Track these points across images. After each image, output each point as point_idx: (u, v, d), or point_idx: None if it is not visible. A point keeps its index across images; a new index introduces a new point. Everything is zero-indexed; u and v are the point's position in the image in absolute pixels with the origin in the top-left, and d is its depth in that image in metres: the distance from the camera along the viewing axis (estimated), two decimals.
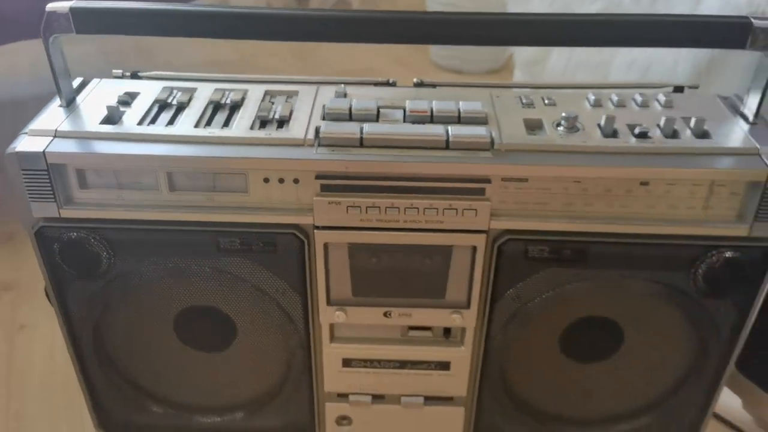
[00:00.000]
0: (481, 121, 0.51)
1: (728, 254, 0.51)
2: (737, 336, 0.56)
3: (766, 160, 0.48)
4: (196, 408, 0.64)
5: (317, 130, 0.50)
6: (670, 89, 0.57)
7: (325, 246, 0.52)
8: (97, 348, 0.59)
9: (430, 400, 0.62)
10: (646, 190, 0.49)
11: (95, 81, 0.57)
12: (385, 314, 0.56)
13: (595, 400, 0.62)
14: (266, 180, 0.50)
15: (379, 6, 2.08)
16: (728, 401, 0.70)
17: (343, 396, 0.62)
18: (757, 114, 0.52)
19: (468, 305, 0.55)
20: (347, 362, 0.60)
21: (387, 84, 0.58)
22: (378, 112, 0.52)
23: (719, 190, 0.49)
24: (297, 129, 0.51)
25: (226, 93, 0.55)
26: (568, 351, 0.60)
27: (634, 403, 0.62)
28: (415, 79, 0.58)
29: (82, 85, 0.56)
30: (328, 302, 0.55)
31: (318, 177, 0.49)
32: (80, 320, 0.57)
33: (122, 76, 0.58)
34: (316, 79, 0.58)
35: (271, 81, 0.57)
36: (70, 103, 0.53)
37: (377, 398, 0.62)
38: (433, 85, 0.58)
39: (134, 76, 0.58)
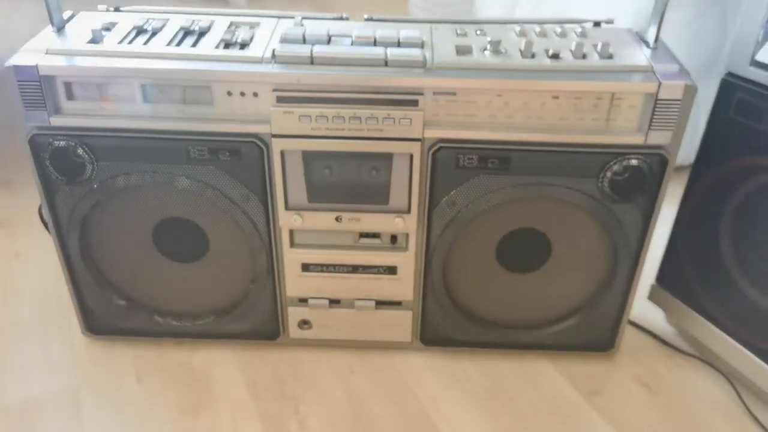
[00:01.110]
0: (417, 45, 0.59)
1: (628, 161, 0.59)
2: (643, 240, 0.64)
3: (658, 75, 0.56)
4: (172, 313, 0.71)
5: (273, 51, 0.58)
6: (590, 24, 0.65)
7: (282, 153, 0.60)
8: (84, 254, 0.67)
9: (381, 304, 0.70)
10: (557, 103, 0.57)
11: (82, 13, 0.64)
12: (336, 219, 0.64)
13: (528, 307, 0.70)
14: (229, 93, 0.57)
15: None
16: (653, 316, 0.78)
17: (303, 301, 0.70)
18: (656, 39, 0.60)
19: (409, 210, 0.63)
20: (306, 267, 0.67)
21: (340, 19, 0.65)
22: (329, 38, 0.60)
23: (619, 102, 0.57)
24: (256, 50, 0.58)
25: (195, 21, 0.62)
26: (504, 262, 0.67)
27: (561, 308, 0.70)
28: (365, 15, 0.66)
29: (71, 17, 0.63)
30: (286, 207, 0.63)
31: (274, 89, 0.57)
32: (68, 224, 0.64)
33: (106, 10, 0.65)
34: (276, 13, 0.65)
35: (237, 14, 0.65)
36: (60, 30, 0.61)
37: (334, 303, 0.70)
38: (382, 20, 0.65)
39: (116, 9, 0.65)
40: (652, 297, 0.76)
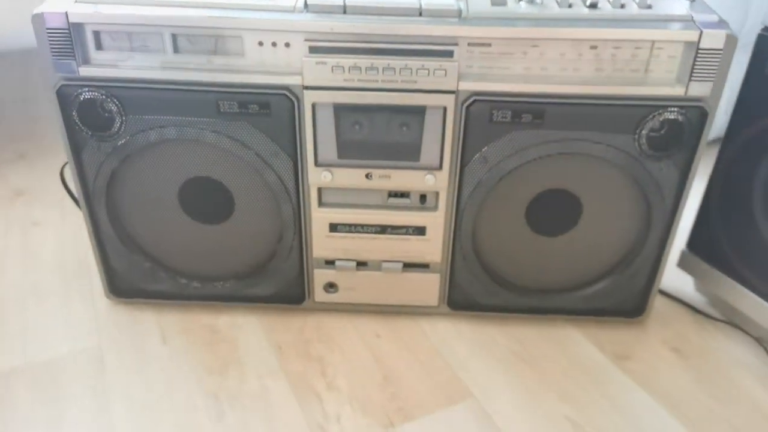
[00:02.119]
0: None
1: (668, 114, 0.58)
2: (679, 199, 0.63)
3: (698, 24, 0.55)
4: (197, 275, 0.71)
5: (305, 0, 0.57)
6: None
7: (313, 106, 0.59)
8: (109, 212, 0.66)
9: (408, 266, 0.69)
10: (595, 53, 0.56)
11: None
12: (366, 176, 0.63)
13: (557, 270, 0.69)
14: (260, 43, 0.56)
15: None
16: (682, 285, 0.77)
17: (330, 263, 0.69)
18: None
19: (440, 167, 0.62)
20: (333, 227, 0.66)
21: None
22: None
23: (658, 52, 0.56)
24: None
25: None
26: (534, 225, 0.66)
27: (591, 271, 0.69)
28: None
29: None
30: (316, 163, 0.62)
31: (307, 39, 0.56)
32: (95, 181, 0.63)
33: None
34: None
35: None
36: None
37: (361, 265, 0.69)
38: None
39: None
40: (682, 263, 0.75)
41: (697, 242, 0.73)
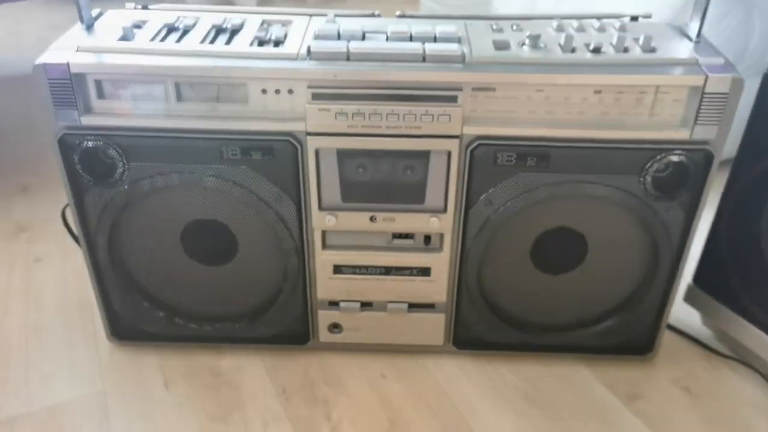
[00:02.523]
0: (455, 40, 0.58)
1: (673, 157, 0.57)
2: (686, 238, 0.62)
3: (704, 68, 0.55)
4: (200, 317, 0.70)
5: (309, 47, 0.56)
6: (627, 18, 0.64)
7: (317, 152, 0.58)
8: (111, 256, 0.65)
9: (413, 307, 0.68)
10: (599, 97, 0.56)
11: (111, 11, 0.63)
12: (371, 219, 0.62)
13: (564, 308, 0.69)
14: (264, 91, 0.56)
15: None
16: (688, 318, 0.76)
17: (334, 304, 0.68)
18: (698, 33, 0.58)
19: (445, 209, 0.61)
20: (338, 269, 0.66)
21: (372, 15, 0.64)
22: (363, 35, 0.59)
23: (663, 96, 0.56)
24: (291, 47, 0.57)
25: (227, 19, 0.61)
26: (539, 263, 0.66)
27: (598, 309, 0.69)
28: (397, 12, 0.64)
29: (99, 15, 0.62)
30: (320, 207, 0.62)
31: (310, 86, 0.56)
32: (96, 227, 0.63)
33: (134, 8, 0.64)
34: (308, 11, 0.64)
35: (268, 12, 0.64)
36: (89, 27, 0.60)
37: (365, 306, 0.68)
38: (414, 17, 0.64)
39: (144, 7, 0.64)
40: (689, 298, 0.74)
41: (703, 277, 0.73)
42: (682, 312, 0.76)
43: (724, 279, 0.70)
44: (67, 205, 0.64)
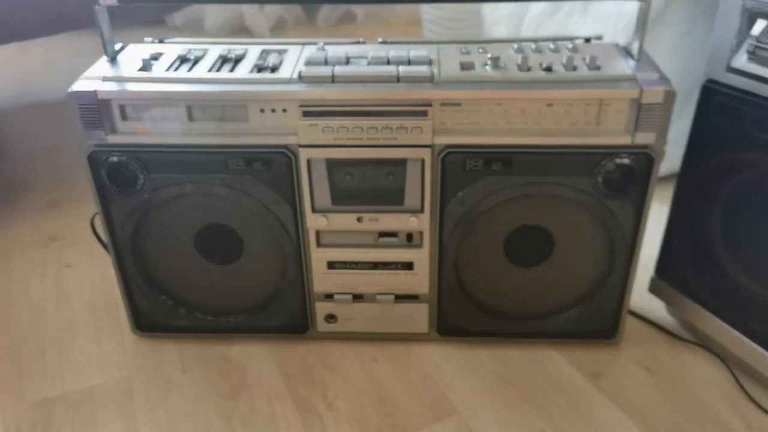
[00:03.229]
0: (426, 62, 0.67)
1: (619, 159, 0.65)
2: (637, 231, 0.70)
3: (640, 83, 0.63)
4: (212, 310, 0.79)
5: (300, 72, 0.66)
6: (581, 40, 0.72)
7: (308, 161, 0.67)
8: (135, 257, 0.75)
9: (399, 298, 0.77)
10: (551, 109, 0.64)
11: (132, 45, 0.73)
12: (358, 219, 0.71)
13: (535, 298, 0.77)
14: (262, 110, 0.66)
15: (382, 16, 2.25)
16: (655, 307, 0.84)
17: (329, 296, 0.77)
18: (638, 52, 0.67)
19: (422, 210, 0.70)
20: (331, 264, 0.75)
21: (357, 43, 0.74)
22: (347, 59, 0.68)
23: (607, 108, 0.64)
24: (285, 72, 0.67)
25: (231, 50, 0.71)
26: (511, 257, 0.74)
27: (565, 298, 0.76)
28: (379, 39, 0.74)
29: (122, 48, 0.73)
30: (313, 210, 0.71)
31: (301, 105, 0.65)
32: (121, 231, 0.72)
33: (152, 42, 0.74)
34: (301, 41, 0.74)
35: (267, 43, 0.73)
36: (113, 59, 0.70)
37: (357, 298, 0.77)
38: (395, 42, 0.73)
39: (161, 41, 0.74)
40: (653, 289, 0.82)
41: (664, 269, 0.80)
42: (648, 301, 0.83)
43: (682, 271, 0.78)
44: (95, 215, 0.73)
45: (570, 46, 0.69)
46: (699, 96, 0.69)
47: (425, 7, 1.72)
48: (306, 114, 0.65)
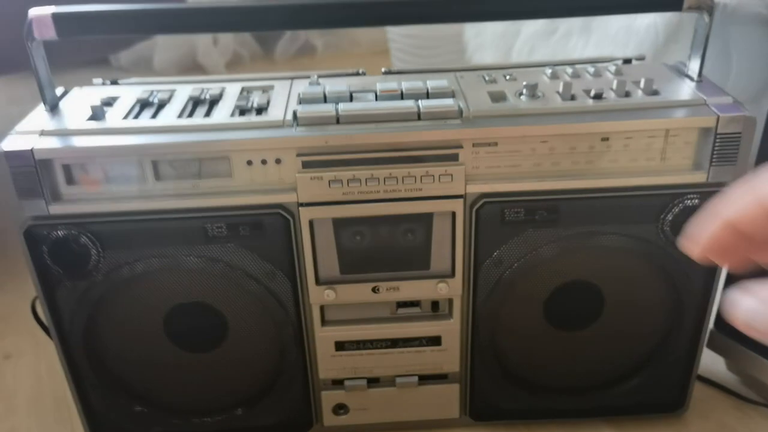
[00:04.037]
0: (449, 94, 0.55)
1: (689, 201, 0.54)
2: (711, 284, 0.58)
3: (713, 108, 0.52)
4: (188, 409, 0.63)
5: (295, 113, 0.53)
6: (620, 61, 0.61)
7: (311, 223, 0.54)
8: (89, 354, 0.59)
9: (424, 379, 0.63)
10: (606, 145, 0.53)
11: (76, 89, 0.59)
12: (373, 290, 0.57)
13: (584, 367, 0.64)
14: (249, 162, 0.52)
15: (343, 47, 2.15)
16: (712, 365, 0.72)
17: (338, 383, 0.63)
18: (699, 73, 0.56)
19: (453, 274, 0.57)
20: (340, 345, 0.60)
21: (357, 74, 0.61)
22: (351, 95, 0.56)
23: (673, 140, 0.53)
24: (275, 113, 0.53)
25: (205, 89, 0.57)
26: (554, 320, 0.61)
27: (621, 366, 0.64)
28: (383, 69, 0.61)
29: (64, 94, 0.58)
30: (317, 282, 0.57)
31: (299, 154, 0.51)
32: (70, 323, 0.57)
33: (102, 84, 0.60)
34: (289, 74, 0.61)
35: (246, 79, 0.60)
36: (53, 108, 0.55)
37: (372, 382, 0.63)
38: (401, 72, 0.61)
39: (114, 82, 0.60)
40: (711, 344, 0.70)
41: (726, 321, 0.69)
42: (705, 359, 0.71)
43: None
44: (36, 298, 0.58)
45: (612, 68, 0.59)
46: (766, 121, 0.59)
47: (392, 35, 1.62)
48: (306, 165, 0.52)
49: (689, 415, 0.67)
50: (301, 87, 0.57)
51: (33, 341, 0.81)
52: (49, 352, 0.79)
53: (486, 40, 1.23)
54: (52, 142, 0.50)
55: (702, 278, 0.58)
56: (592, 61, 0.61)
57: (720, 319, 0.69)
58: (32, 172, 0.50)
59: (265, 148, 0.51)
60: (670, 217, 0.55)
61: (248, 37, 2.02)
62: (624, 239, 0.56)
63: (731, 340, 0.69)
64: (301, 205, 0.53)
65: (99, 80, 0.61)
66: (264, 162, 0.52)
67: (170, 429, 0.64)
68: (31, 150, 0.50)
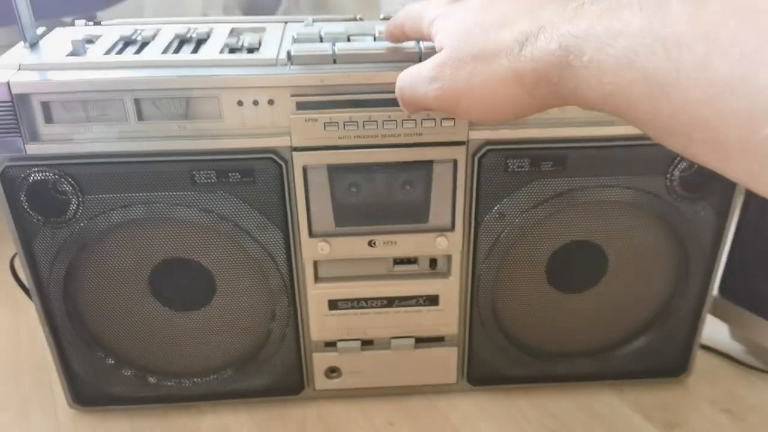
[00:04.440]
0: None
1: None
2: (719, 242, 0.56)
3: None
4: (176, 372, 0.61)
5: (289, 52, 0.50)
6: None
7: (304, 170, 0.51)
8: (69, 310, 0.56)
9: (420, 342, 0.61)
10: None
11: (59, 29, 0.56)
12: (369, 243, 0.55)
13: (586, 331, 0.62)
14: (240, 103, 0.49)
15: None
16: (715, 333, 0.70)
17: (330, 345, 0.60)
18: None
19: (452, 227, 0.54)
20: (333, 304, 0.58)
21: (354, 20, 0.58)
22: (348, 37, 0.53)
23: None
24: (268, 52, 0.50)
25: (192, 28, 0.54)
26: (555, 281, 0.59)
27: (624, 329, 0.62)
28: (381, 15, 0.59)
29: (45, 33, 0.55)
30: (311, 234, 0.54)
31: (293, 95, 0.49)
32: (49, 275, 0.54)
33: (85, 24, 0.57)
34: (282, 18, 0.58)
35: (237, 21, 0.57)
36: (33, 45, 0.52)
37: (366, 344, 0.60)
38: None
39: (97, 23, 0.57)
40: (715, 311, 0.68)
41: (730, 286, 0.67)
42: (709, 328, 0.69)
43: (753, 285, 0.65)
44: (15, 255, 0.55)
45: None
46: None
47: None
48: (301, 106, 0.49)
49: (692, 382, 0.65)
50: (295, 29, 0.54)
51: (12, 303, 0.77)
52: (30, 318, 0.76)
53: None
54: (31, 76, 0.47)
55: (710, 234, 0.56)
56: None
57: (724, 285, 0.67)
58: (9, 108, 0.47)
59: (257, 85, 0.48)
60: (677, 172, 0.52)
61: None
62: (632, 193, 0.53)
63: (737, 305, 0.67)
64: (295, 149, 0.50)
65: (82, 21, 0.57)
66: (255, 103, 0.49)
67: (156, 392, 0.61)
68: (8, 83, 0.46)
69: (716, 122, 0.26)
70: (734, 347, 0.70)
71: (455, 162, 0.51)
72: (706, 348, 0.69)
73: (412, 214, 0.54)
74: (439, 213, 0.54)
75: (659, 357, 0.62)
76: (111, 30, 0.54)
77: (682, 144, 0.29)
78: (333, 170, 0.51)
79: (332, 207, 0.53)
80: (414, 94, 0.42)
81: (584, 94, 0.32)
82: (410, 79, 0.42)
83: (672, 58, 0.26)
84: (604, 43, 0.29)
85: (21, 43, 0.52)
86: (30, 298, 0.56)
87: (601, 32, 0.30)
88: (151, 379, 0.60)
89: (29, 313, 0.74)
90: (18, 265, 0.59)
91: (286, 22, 0.57)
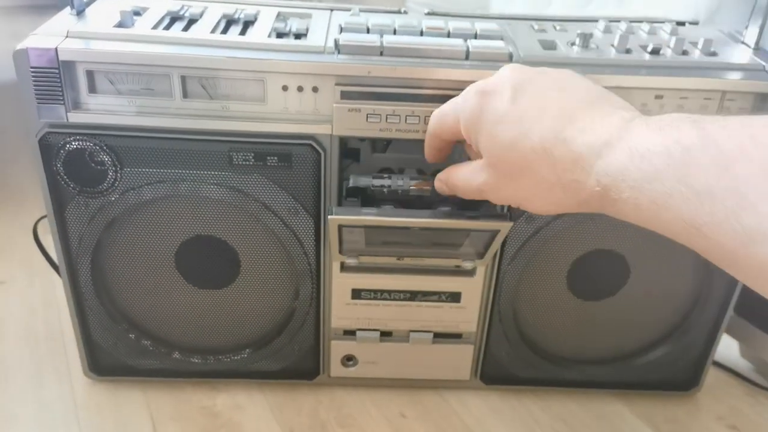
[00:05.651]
0: (498, 37, 0.52)
1: None
2: None
3: None
4: (195, 349, 0.61)
5: (336, 41, 0.50)
6: (673, 23, 0.59)
7: (339, 228, 0.51)
8: (95, 279, 0.56)
9: (438, 337, 0.61)
10: (660, 104, 0.51)
11: None
12: (397, 258, 0.55)
13: (602, 339, 0.62)
14: (284, 88, 0.49)
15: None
16: (727, 351, 0.71)
17: (350, 333, 0.61)
18: (757, 42, 0.54)
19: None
20: (357, 293, 0.58)
21: (399, 12, 0.58)
22: (395, 30, 0.53)
23: (729, 104, 0.51)
24: (316, 39, 0.51)
25: (239, 9, 0.54)
26: (575, 289, 0.60)
27: (641, 339, 0.62)
28: (426, 10, 0.59)
29: (92, 1, 0.55)
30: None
31: (338, 83, 0.49)
32: (79, 244, 0.54)
33: None
34: (327, 5, 0.58)
35: (282, 5, 0.57)
36: (80, 13, 0.52)
37: (385, 335, 0.61)
38: (448, 15, 0.58)
39: None
40: (728, 328, 0.69)
41: (745, 303, 0.67)
42: (719, 345, 0.70)
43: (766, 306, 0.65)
44: (41, 219, 0.55)
45: (668, 28, 0.56)
46: None
47: None
48: (345, 95, 0.49)
49: (701, 397, 0.66)
50: (342, 18, 0.54)
51: (29, 268, 0.77)
52: (46, 282, 0.76)
53: None
54: (78, 44, 0.47)
55: None
56: (644, 20, 0.58)
57: (739, 303, 0.68)
58: (55, 74, 0.47)
59: (304, 72, 0.48)
60: None
61: None
62: None
63: (750, 324, 0.67)
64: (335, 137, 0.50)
65: None
66: (300, 89, 0.49)
67: (173, 366, 0.61)
68: (56, 49, 0.46)
69: (748, 262, 0.30)
70: (743, 364, 0.71)
71: None
72: (716, 364, 0.70)
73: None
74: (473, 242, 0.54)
75: (672, 370, 0.63)
76: (158, 3, 0.54)
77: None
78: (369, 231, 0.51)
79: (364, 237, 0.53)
80: (465, 192, 0.46)
81: (626, 217, 0.36)
82: (462, 186, 0.46)
83: (705, 206, 0.30)
84: (640, 185, 0.33)
85: (67, 9, 0.52)
86: (52, 266, 0.57)
87: (636, 174, 0.33)
88: (174, 354, 0.61)
89: (45, 278, 0.75)
90: (41, 230, 0.59)
91: (332, 10, 0.57)
